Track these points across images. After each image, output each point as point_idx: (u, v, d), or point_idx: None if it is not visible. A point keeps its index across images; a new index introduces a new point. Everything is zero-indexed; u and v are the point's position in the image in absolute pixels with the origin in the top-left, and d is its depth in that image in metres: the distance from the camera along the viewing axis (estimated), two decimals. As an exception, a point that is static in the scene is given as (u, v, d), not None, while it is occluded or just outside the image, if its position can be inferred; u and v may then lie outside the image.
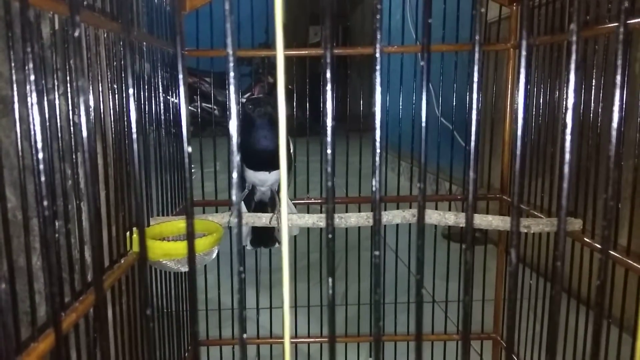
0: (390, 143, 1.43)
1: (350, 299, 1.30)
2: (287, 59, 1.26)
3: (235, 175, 0.35)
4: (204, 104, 5.37)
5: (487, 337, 1.34)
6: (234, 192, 0.35)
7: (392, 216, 0.99)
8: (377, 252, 0.37)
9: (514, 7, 1.25)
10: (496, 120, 1.32)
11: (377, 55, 0.34)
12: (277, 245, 1.24)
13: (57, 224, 0.45)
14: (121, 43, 0.78)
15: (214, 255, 0.91)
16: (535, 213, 1.12)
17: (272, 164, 1.10)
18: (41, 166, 0.31)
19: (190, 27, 1.21)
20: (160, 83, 1.03)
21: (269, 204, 1.21)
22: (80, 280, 0.61)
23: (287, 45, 1.21)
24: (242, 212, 1.09)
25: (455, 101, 1.28)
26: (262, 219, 1.04)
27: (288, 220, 1.04)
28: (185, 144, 0.35)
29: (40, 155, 0.33)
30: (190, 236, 0.36)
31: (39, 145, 0.34)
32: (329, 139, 0.35)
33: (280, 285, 1.29)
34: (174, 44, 1.16)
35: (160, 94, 1.04)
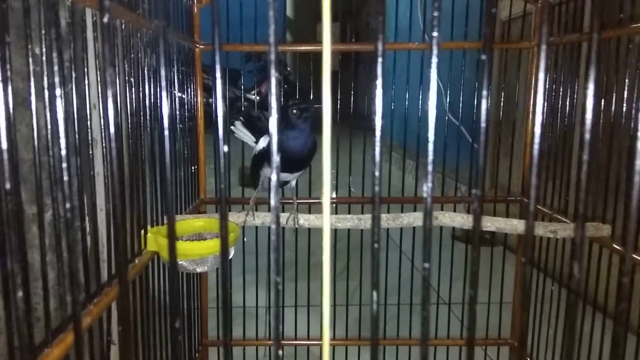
0: (398, 142, 1.39)
1: (354, 299, 1.26)
2: (305, 55, 1.23)
3: (274, 176, 0.32)
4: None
5: (504, 343, 1.31)
6: (272, 194, 0.32)
7: (412, 218, 0.96)
8: (426, 264, 0.34)
9: (538, 4, 1.21)
10: (518, 120, 1.28)
11: (435, 51, 0.31)
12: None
13: (76, 224, 0.43)
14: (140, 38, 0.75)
15: (231, 255, 0.88)
16: (559, 217, 1.08)
17: (294, 167, 1.05)
18: (64, 164, 0.28)
19: (205, 21, 1.18)
20: (175, 78, 1.00)
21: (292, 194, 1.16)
22: (95, 282, 0.59)
23: (305, 41, 1.19)
24: (255, 212, 1.06)
25: (466, 100, 1.26)
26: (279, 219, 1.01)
27: (305, 220, 1.01)
28: (221, 143, 0.32)
29: (63, 153, 0.30)
30: (224, 240, 0.34)
31: (62, 143, 0.32)
32: (377, 138, 0.32)
33: (291, 283, 1.24)
34: (190, 40, 1.13)
35: (175, 89, 1.01)
